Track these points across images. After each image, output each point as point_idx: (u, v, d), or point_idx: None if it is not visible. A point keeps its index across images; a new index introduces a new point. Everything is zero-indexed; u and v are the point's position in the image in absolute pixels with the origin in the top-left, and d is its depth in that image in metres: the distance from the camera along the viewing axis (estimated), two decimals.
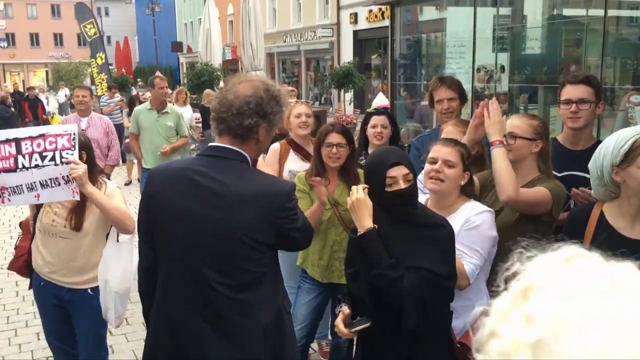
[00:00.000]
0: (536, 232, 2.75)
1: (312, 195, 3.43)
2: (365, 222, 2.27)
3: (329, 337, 4.35)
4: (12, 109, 17.77)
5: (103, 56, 17.59)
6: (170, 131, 6.64)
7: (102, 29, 20.36)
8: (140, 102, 11.03)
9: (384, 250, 2.24)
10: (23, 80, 54.09)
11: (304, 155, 4.07)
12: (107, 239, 3.15)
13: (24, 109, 17.52)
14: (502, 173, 2.63)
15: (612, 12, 6.13)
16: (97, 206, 2.95)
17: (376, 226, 2.26)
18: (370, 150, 4.09)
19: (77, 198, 2.91)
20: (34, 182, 2.82)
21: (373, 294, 2.27)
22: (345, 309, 2.35)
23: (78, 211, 3.02)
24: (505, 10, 7.29)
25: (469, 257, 2.46)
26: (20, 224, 3.53)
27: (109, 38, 43.14)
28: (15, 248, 3.45)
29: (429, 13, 8.98)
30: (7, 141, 2.81)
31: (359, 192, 2.29)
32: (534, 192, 2.67)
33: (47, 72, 58.05)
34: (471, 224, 2.50)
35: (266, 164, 4.17)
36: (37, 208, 3.12)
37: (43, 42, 62.32)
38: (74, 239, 3.05)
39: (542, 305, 0.74)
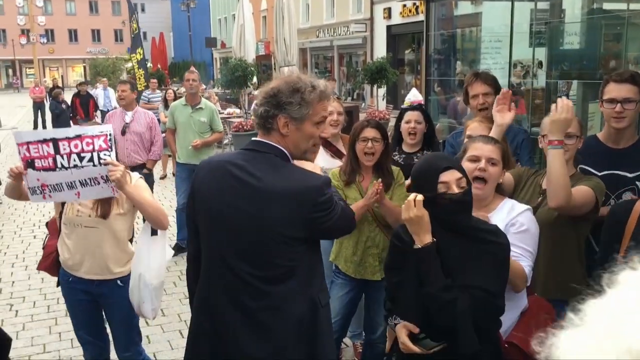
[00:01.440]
0: (575, 228, 2.72)
1: (346, 192, 3.44)
2: (424, 236, 2.15)
3: (363, 336, 4.36)
4: (63, 106, 17.23)
5: (141, 52, 17.87)
6: (203, 127, 6.72)
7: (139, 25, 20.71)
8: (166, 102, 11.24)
9: (439, 268, 2.12)
10: (62, 76, 55.38)
11: (333, 152, 4.08)
12: (132, 234, 3.27)
13: (76, 105, 16.71)
14: (559, 178, 2.52)
15: None
16: (135, 204, 3.04)
17: (435, 240, 2.15)
18: (404, 147, 4.08)
19: (117, 195, 2.99)
20: (74, 181, 2.88)
21: (421, 309, 2.17)
22: (411, 326, 2.21)
23: (104, 199, 3.09)
24: (543, 5, 7.15)
25: (525, 260, 2.39)
26: (47, 224, 3.59)
27: (144, 34, 43.71)
28: (43, 248, 3.52)
29: (464, 7, 8.86)
30: (45, 141, 2.85)
31: (418, 207, 2.13)
32: (580, 195, 2.59)
33: (84, 67, 59.21)
34: (521, 227, 2.43)
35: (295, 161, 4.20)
36: (62, 205, 3.19)
37: (81, 38, 63.67)
38: (100, 228, 3.12)
39: None
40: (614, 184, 2.83)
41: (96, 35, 64.50)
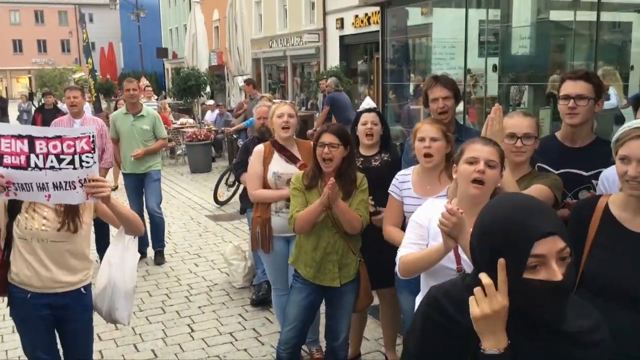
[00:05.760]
0: None
1: (308, 196, 3.39)
2: (500, 336, 1.43)
3: (319, 343, 4.29)
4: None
5: (91, 62, 17.45)
6: (146, 134, 6.58)
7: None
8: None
9: None
10: (6, 87, 53.60)
11: (287, 157, 4.03)
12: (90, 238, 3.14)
13: (36, 123, 12.39)
14: (510, 187, 2.52)
15: (593, 16, 6.18)
16: (119, 215, 2.90)
17: (510, 342, 1.44)
18: (361, 150, 4.04)
19: (91, 201, 2.82)
20: (47, 183, 2.70)
21: None
22: None
23: (74, 213, 2.94)
24: (493, 15, 7.32)
25: None
26: None
27: (93, 44, 42.90)
28: None
29: (414, 18, 9.00)
30: (20, 137, 2.66)
31: (503, 295, 1.40)
32: (537, 194, 2.60)
33: (30, 78, 57.51)
34: None
35: (250, 165, 4.14)
36: (9, 215, 2.96)
37: (26, 48, 61.82)
38: (69, 241, 2.96)
39: None
40: (570, 182, 2.87)
41: (42, 45, 62.77)
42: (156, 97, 19.42)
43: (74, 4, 41.15)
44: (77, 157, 2.68)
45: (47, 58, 58.21)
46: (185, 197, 10.61)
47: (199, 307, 5.42)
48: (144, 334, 4.82)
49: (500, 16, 7.18)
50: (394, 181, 3.34)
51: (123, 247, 3.11)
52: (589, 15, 6.08)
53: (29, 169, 2.67)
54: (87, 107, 15.52)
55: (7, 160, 2.67)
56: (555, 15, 7.23)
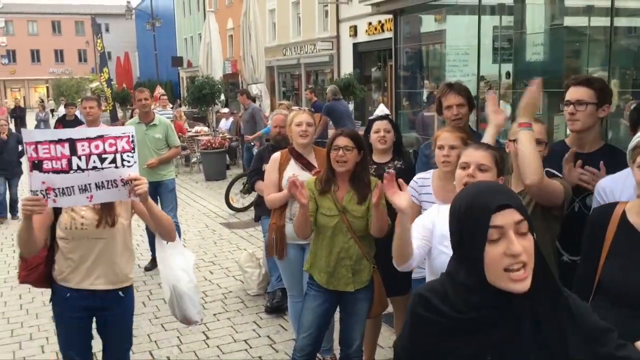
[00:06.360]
0: (547, 227, 2.74)
1: (321, 201, 3.41)
2: None
3: (333, 351, 4.29)
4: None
5: (107, 71, 17.64)
6: (159, 143, 6.66)
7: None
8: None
9: None
10: (24, 97, 54.36)
11: (304, 164, 4.06)
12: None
13: None
14: (530, 156, 2.55)
15: (607, 21, 6.14)
16: (153, 216, 2.98)
17: None
18: (375, 158, 4.06)
19: (134, 198, 2.88)
20: (89, 184, 2.75)
21: None
22: None
23: (110, 208, 3.00)
24: (506, 21, 7.32)
25: None
26: None
27: (109, 54, 43.39)
28: (22, 260, 3.17)
29: (428, 25, 9.02)
30: (60, 141, 2.70)
31: None
32: (552, 182, 2.64)
33: (47, 88, 58.29)
34: None
35: (266, 172, 4.18)
36: (53, 215, 3.03)
37: (44, 58, 62.73)
38: (108, 238, 3.02)
39: None
40: (578, 187, 2.86)
41: (59, 55, 63.65)
42: (171, 105, 19.59)
43: (90, 14, 41.89)
44: (118, 156, 2.75)
45: (65, 68, 58.98)
46: (200, 204, 10.68)
47: (214, 314, 5.45)
48: (159, 341, 4.86)
49: (513, 22, 7.17)
50: (412, 184, 3.33)
51: (170, 252, 3.20)
52: (604, 21, 6.06)
53: (71, 171, 2.71)
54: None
55: (47, 165, 2.71)
56: (570, 21, 7.21)
